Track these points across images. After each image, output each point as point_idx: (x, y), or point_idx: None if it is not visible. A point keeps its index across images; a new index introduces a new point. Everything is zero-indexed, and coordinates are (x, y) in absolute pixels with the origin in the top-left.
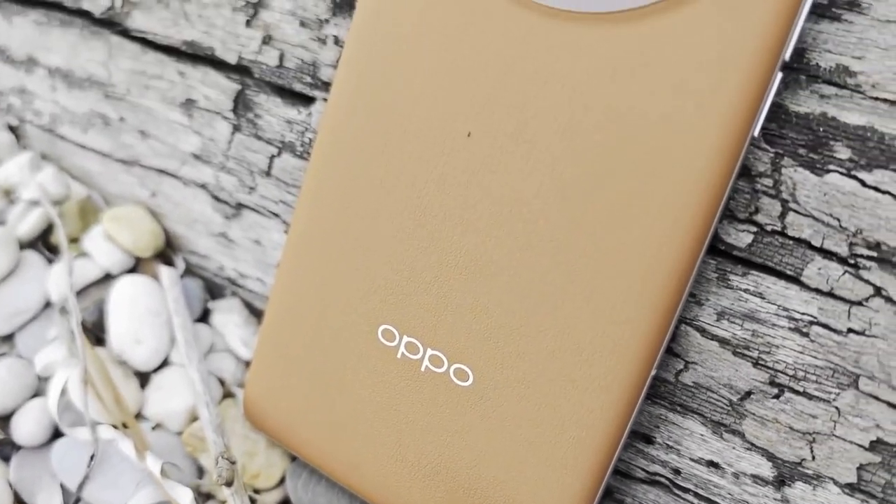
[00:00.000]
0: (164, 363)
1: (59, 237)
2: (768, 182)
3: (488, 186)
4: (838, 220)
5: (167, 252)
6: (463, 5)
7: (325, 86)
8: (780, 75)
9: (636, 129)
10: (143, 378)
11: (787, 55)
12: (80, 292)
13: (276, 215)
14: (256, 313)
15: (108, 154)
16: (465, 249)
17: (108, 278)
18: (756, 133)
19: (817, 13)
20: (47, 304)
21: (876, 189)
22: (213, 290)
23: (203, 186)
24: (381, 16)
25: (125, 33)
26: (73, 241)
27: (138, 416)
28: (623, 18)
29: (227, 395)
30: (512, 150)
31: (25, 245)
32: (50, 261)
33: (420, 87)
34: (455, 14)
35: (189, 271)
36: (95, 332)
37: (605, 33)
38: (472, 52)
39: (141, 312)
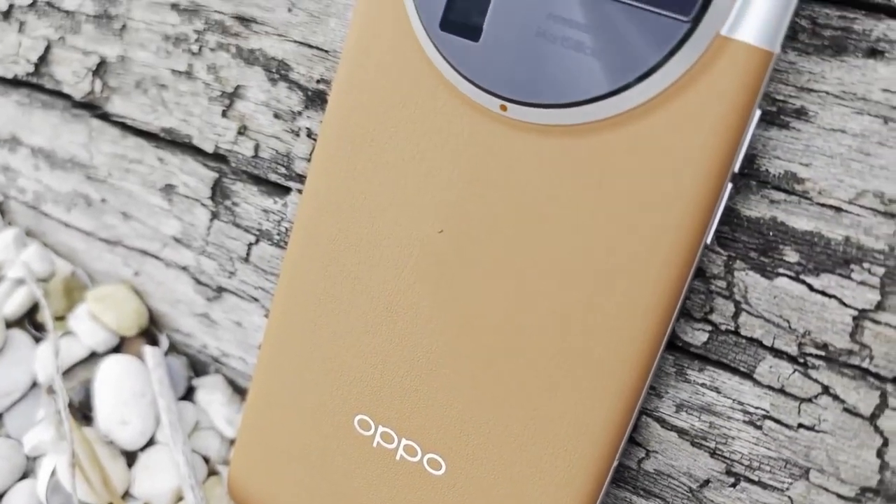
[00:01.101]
0: (151, 441)
1: (45, 317)
2: (722, 284)
3: (458, 283)
4: (788, 321)
5: (151, 329)
6: (430, 111)
7: (300, 178)
8: (730, 186)
9: (597, 236)
10: (130, 456)
11: (737, 167)
12: (67, 372)
13: (256, 299)
14: (240, 391)
15: (92, 233)
16: (436, 343)
17: (93, 356)
18: (709, 241)
19: (766, 120)
20: (34, 384)
21: (823, 293)
22: (197, 367)
23: (185, 269)
24: (352, 115)
25: (105, 117)
26: (59, 318)
27: (126, 495)
28: (582, 131)
29: (212, 472)
30: (480, 250)
31: (12, 324)
32: (36, 339)
33: (392, 185)
34: (423, 118)
35: (173, 348)
36: (83, 411)
37: (566, 144)
38: (442, 155)
39: (126, 394)
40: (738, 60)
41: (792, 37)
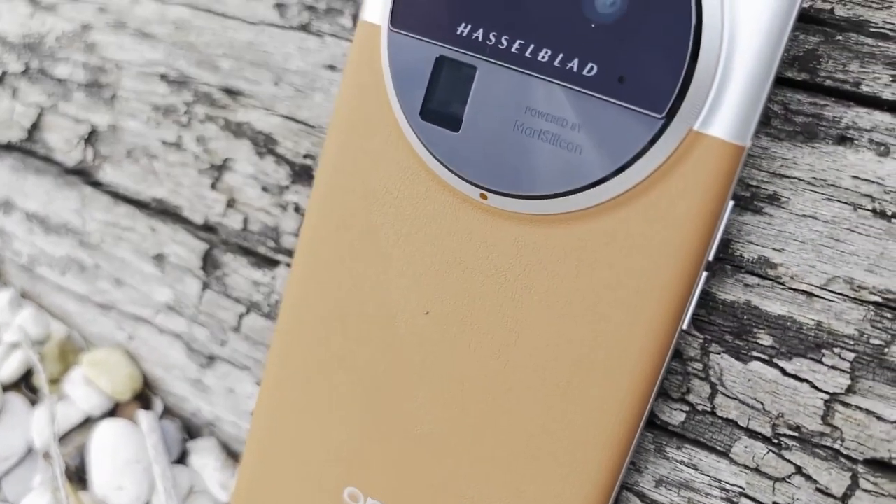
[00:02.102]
0: None
1: (41, 383)
2: (698, 366)
3: (444, 362)
4: (762, 403)
5: (146, 392)
6: (412, 196)
7: (288, 252)
8: (704, 274)
9: (576, 320)
10: None
11: (711, 256)
12: (63, 437)
13: (248, 368)
14: (234, 455)
15: (86, 297)
16: (423, 419)
17: (88, 421)
18: (685, 327)
19: (741, 206)
20: (30, 449)
21: (795, 377)
22: (191, 430)
23: (178, 336)
24: (337, 197)
25: (97, 185)
26: (55, 381)
27: None
28: (560, 220)
29: None
30: (465, 332)
31: (8, 387)
32: (32, 402)
33: (377, 267)
34: (406, 204)
35: (167, 411)
36: (79, 475)
37: (545, 233)
38: (426, 239)
39: (121, 460)
40: (711, 155)
41: (765, 122)
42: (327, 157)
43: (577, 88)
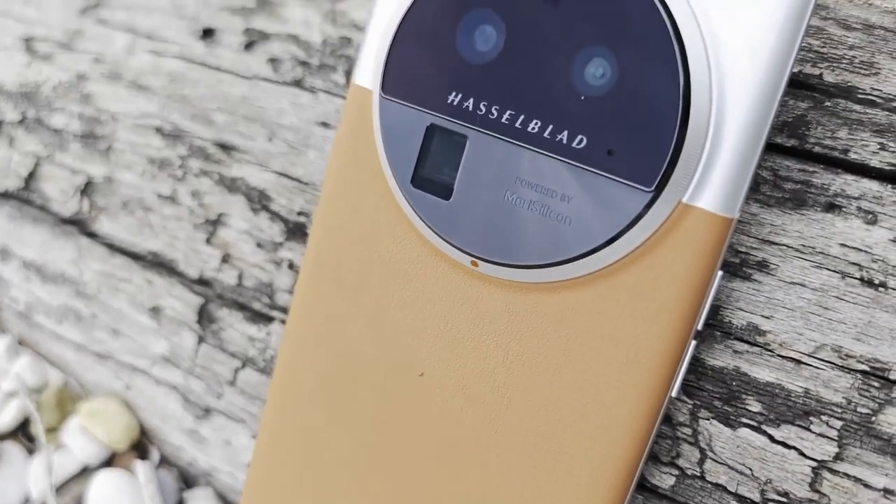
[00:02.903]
0: None
1: (38, 433)
2: (688, 431)
3: (436, 425)
4: (751, 469)
5: (143, 442)
6: (404, 261)
7: (283, 308)
8: (693, 343)
9: (566, 385)
10: None
11: (700, 325)
12: (60, 487)
13: (244, 420)
14: None
15: (83, 346)
16: (414, 481)
17: (86, 471)
18: (674, 394)
19: (730, 272)
20: (27, 500)
21: (783, 444)
22: (188, 479)
23: (174, 387)
24: (331, 259)
25: (93, 235)
26: (52, 430)
27: None
28: (550, 288)
29: None
30: (457, 396)
31: (5, 436)
32: (30, 451)
33: (371, 328)
34: (398, 268)
35: (164, 460)
36: None
37: (535, 300)
38: (418, 303)
39: None
40: (699, 227)
41: (755, 188)
42: (320, 218)
43: (566, 160)
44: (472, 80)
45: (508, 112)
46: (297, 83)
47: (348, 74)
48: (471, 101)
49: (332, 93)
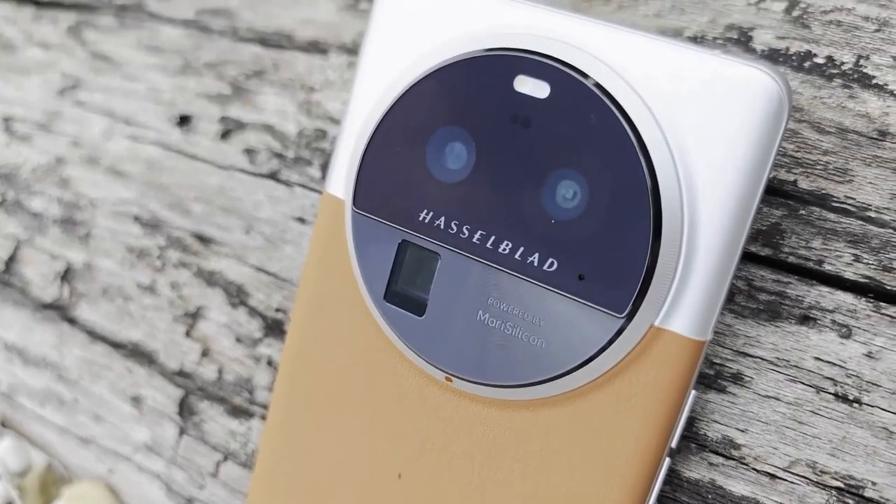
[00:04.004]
0: None
1: None
2: None
3: None
4: None
5: None
6: (379, 374)
7: (263, 405)
8: (667, 461)
9: (539, 496)
10: None
11: (674, 443)
12: None
13: None
14: None
15: (66, 429)
16: None
17: None
18: None
19: (705, 384)
20: None
21: None
22: None
23: (157, 476)
24: (307, 368)
25: (73, 321)
26: None
27: None
28: (523, 406)
29: None
30: (438, 494)
31: None
32: None
33: (349, 434)
34: (373, 380)
35: None
36: None
37: (509, 416)
38: (394, 414)
39: None
40: (671, 350)
41: (729, 298)
42: (297, 322)
43: (537, 283)
44: (443, 198)
45: (480, 232)
46: (273, 175)
47: (324, 169)
48: (442, 219)
49: (308, 187)
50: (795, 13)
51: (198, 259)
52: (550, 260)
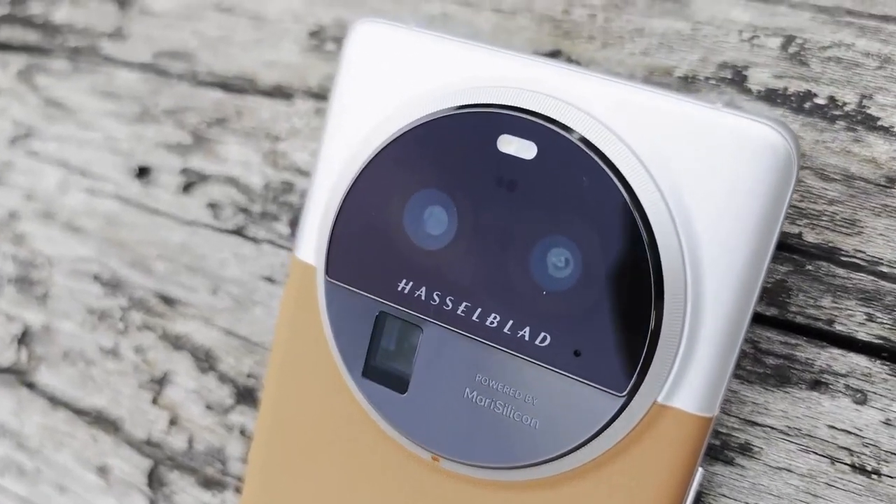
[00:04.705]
0: None
1: None
2: None
3: None
4: None
5: None
6: (359, 451)
7: (237, 477)
8: None
9: None
10: None
11: None
12: None
13: None
14: None
15: (28, 499)
16: None
17: None
18: None
19: (711, 455)
20: None
21: None
22: None
23: None
24: (283, 441)
25: (32, 386)
26: None
27: None
28: (515, 487)
29: None
30: None
31: None
32: None
33: None
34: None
35: None
36: None
37: (500, 498)
38: (376, 492)
39: None
40: (676, 428)
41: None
42: (270, 397)
43: (529, 360)
44: (423, 267)
45: (464, 304)
46: (239, 231)
47: (292, 224)
48: (423, 289)
49: (276, 244)
50: (792, 49)
51: (163, 321)
52: (543, 334)
